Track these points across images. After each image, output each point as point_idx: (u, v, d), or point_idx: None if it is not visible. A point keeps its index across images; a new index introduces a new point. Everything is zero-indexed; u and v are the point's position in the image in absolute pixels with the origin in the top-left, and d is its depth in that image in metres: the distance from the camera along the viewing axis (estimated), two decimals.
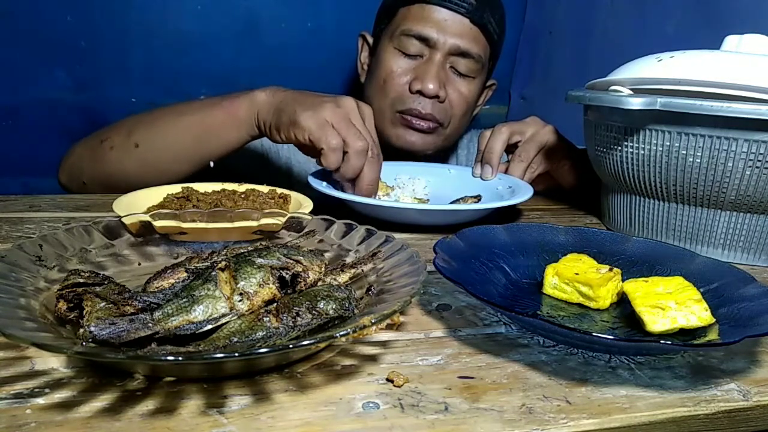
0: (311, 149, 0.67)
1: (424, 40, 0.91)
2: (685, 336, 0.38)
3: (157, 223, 0.45)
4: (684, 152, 0.57)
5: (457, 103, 0.95)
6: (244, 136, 0.74)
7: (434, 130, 0.95)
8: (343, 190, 0.68)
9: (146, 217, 0.45)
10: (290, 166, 1.02)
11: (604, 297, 0.43)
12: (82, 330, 0.30)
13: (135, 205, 0.56)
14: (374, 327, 0.31)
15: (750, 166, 0.54)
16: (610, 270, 0.44)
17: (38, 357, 0.33)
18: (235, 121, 0.73)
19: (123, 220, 0.44)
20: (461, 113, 0.97)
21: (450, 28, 0.90)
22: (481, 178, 0.80)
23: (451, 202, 0.74)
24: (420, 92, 0.91)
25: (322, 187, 0.66)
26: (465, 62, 0.93)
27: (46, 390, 0.30)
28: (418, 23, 0.91)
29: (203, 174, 0.76)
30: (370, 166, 0.65)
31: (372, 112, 0.70)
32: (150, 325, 0.31)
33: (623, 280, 0.44)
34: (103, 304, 0.33)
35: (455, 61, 0.93)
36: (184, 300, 0.33)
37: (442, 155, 1.08)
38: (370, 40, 1.03)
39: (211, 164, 0.77)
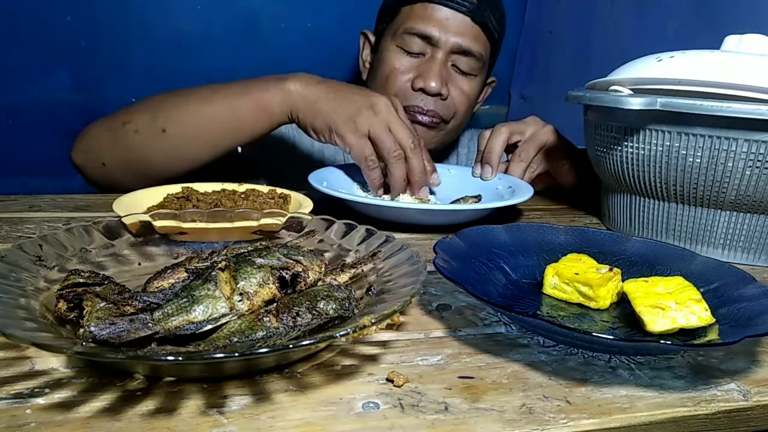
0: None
1: (427, 38, 0.91)
2: (685, 336, 0.38)
3: (157, 223, 0.45)
4: (684, 152, 0.57)
5: (459, 101, 0.96)
6: (275, 125, 0.75)
7: (437, 125, 0.96)
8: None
9: (146, 217, 0.45)
10: (295, 157, 1.02)
11: (604, 297, 0.43)
12: (82, 330, 0.30)
13: (135, 205, 0.56)
14: (374, 327, 0.31)
15: (750, 166, 0.54)
16: (610, 270, 0.44)
17: (38, 357, 0.33)
18: (266, 112, 0.73)
19: (123, 220, 0.44)
20: (463, 110, 0.98)
21: (452, 27, 0.91)
22: (481, 178, 0.80)
23: (452, 202, 0.74)
24: (422, 90, 0.92)
25: (323, 187, 0.66)
26: (466, 60, 0.94)
27: (46, 390, 0.30)
28: (420, 22, 0.91)
29: (217, 166, 0.77)
30: (415, 159, 0.70)
31: (400, 103, 0.74)
32: (150, 325, 0.31)
33: (623, 280, 0.44)
34: (103, 304, 0.33)
35: (457, 59, 0.94)
36: (184, 300, 0.33)
37: (443, 153, 1.08)
38: (372, 38, 1.03)
39: (239, 149, 0.77)
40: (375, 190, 0.72)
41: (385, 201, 0.69)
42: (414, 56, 0.93)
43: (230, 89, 0.75)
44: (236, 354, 0.28)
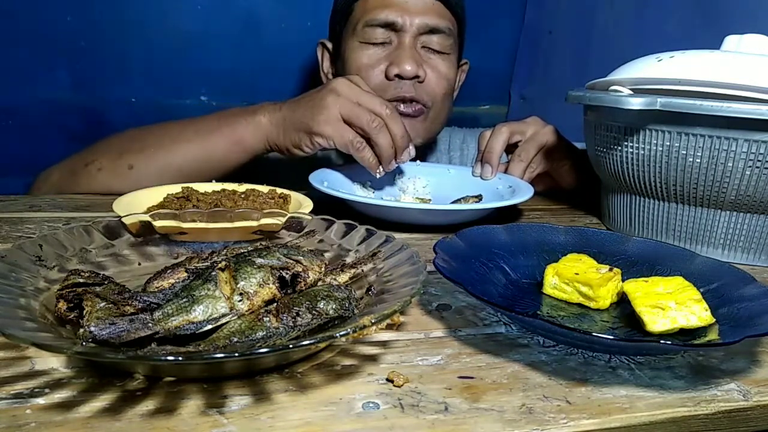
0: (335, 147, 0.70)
1: (390, 25, 0.89)
2: (685, 336, 0.38)
3: (157, 223, 0.45)
4: (684, 152, 0.57)
5: (436, 82, 0.93)
6: (249, 158, 0.75)
7: (420, 113, 0.93)
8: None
9: (146, 217, 0.45)
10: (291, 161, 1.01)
11: (604, 297, 0.43)
12: (82, 330, 0.30)
13: (135, 205, 0.56)
14: (374, 327, 0.31)
15: (750, 166, 0.54)
16: (610, 270, 0.44)
17: (38, 357, 0.33)
18: (240, 147, 0.73)
19: (123, 220, 0.44)
20: (442, 92, 0.95)
21: (413, 8, 0.89)
22: (481, 178, 0.80)
23: (452, 202, 0.74)
24: (398, 76, 0.89)
25: (323, 187, 0.66)
26: (437, 38, 0.91)
27: (46, 390, 0.30)
28: (379, 11, 0.89)
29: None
30: (394, 124, 0.68)
31: (360, 78, 0.73)
32: (150, 325, 0.31)
33: (623, 280, 0.44)
34: (103, 304, 0.33)
35: (426, 40, 0.91)
36: (184, 300, 0.33)
37: (426, 147, 1.06)
38: (330, 45, 1.01)
39: (213, 182, 0.77)
40: (373, 170, 0.70)
41: (385, 201, 0.69)
42: (380, 47, 0.90)
43: (197, 126, 0.75)
44: (236, 354, 0.28)
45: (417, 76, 0.90)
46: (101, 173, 0.75)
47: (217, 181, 0.70)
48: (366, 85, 0.72)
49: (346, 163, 0.85)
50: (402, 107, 0.91)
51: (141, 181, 0.73)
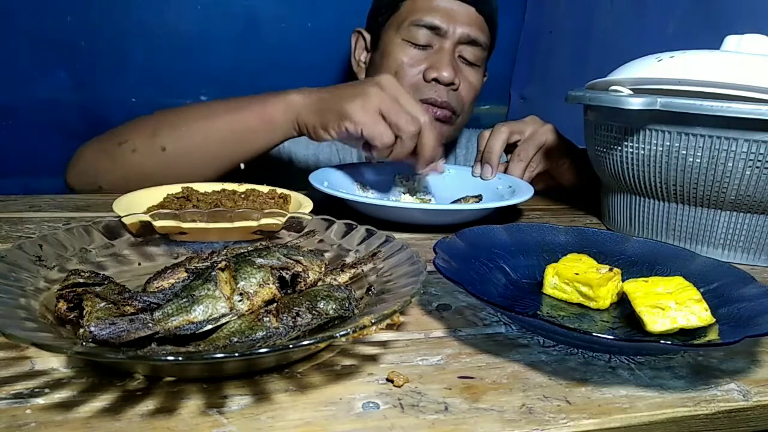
0: (356, 139, 0.68)
1: (434, 29, 0.92)
2: (685, 336, 0.38)
3: (157, 223, 0.45)
4: (684, 152, 0.57)
5: (466, 92, 0.97)
6: (278, 139, 0.74)
7: (449, 119, 0.96)
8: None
9: (146, 217, 0.45)
10: (291, 161, 1.02)
11: (604, 297, 0.43)
12: (82, 330, 0.30)
13: (135, 205, 0.56)
14: (374, 327, 0.31)
15: (750, 166, 0.54)
16: (610, 270, 0.44)
17: (38, 357, 0.33)
18: (269, 126, 0.72)
19: (123, 220, 0.44)
20: (470, 101, 0.99)
21: (458, 17, 0.92)
22: (481, 178, 0.80)
23: (452, 202, 0.74)
24: (436, 80, 0.92)
25: (323, 187, 0.66)
26: (472, 50, 0.95)
27: (46, 390, 0.30)
28: (427, 13, 0.92)
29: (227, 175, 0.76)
30: (429, 134, 0.67)
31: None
32: (150, 325, 0.31)
33: (623, 280, 0.44)
34: (103, 304, 0.33)
35: (463, 49, 0.94)
36: (184, 300, 0.33)
37: (445, 148, 1.08)
38: (367, 36, 1.03)
39: (242, 166, 0.76)
40: (393, 159, 0.69)
41: (385, 201, 0.69)
42: (421, 48, 0.93)
43: (229, 106, 0.75)
44: (236, 354, 0.28)
45: (452, 83, 0.93)
46: (135, 154, 0.74)
47: (244, 166, 0.69)
48: (410, 93, 0.72)
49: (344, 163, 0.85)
50: (434, 111, 0.93)
51: (172, 164, 0.74)
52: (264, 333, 0.32)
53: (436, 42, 0.93)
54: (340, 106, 0.67)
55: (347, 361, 0.35)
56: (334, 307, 0.35)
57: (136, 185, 0.73)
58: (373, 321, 0.31)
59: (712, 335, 0.38)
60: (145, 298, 0.34)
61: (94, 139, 0.80)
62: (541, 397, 0.33)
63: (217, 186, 0.66)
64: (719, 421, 0.33)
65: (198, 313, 0.32)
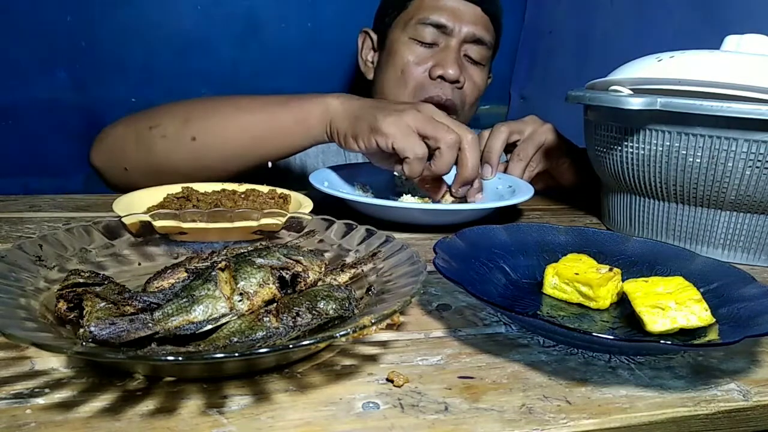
0: (388, 157, 0.67)
1: (441, 27, 0.92)
2: (685, 336, 0.38)
3: (157, 223, 0.45)
4: (684, 152, 0.57)
5: (470, 91, 0.97)
6: (309, 142, 0.73)
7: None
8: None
9: (146, 217, 0.45)
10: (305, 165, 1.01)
11: (604, 297, 0.43)
12: (82, 330, 0.30)
13: (135, 205, 0.56)
14: (374, 327, 0.31)
15: (750, 166, 0.54)
16: (610, 270, 0.44)
17: (38, 357, 0.33)
18: (304, 127, 0.71)
19: (123, 220, 0.44)
20: (473, 101, 0.99)
21: (464, 16, 0.93)
22: (481, 178, 0.80)
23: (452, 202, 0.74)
24: (441, 77, 0.92)
25: (323, 187, 0.66)
26: (477, 49, 0.95)
27: (46, 390, 0.30)
28: (433, 12, 0.93)
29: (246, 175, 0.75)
30: (472, 152, 0.66)
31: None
32: (150, 325, 0.31)
33: (623, 280, 0.44)
34: (103, 304, 0.33)
35: (468, 48, 0.95)
36: (184, 300, 0.33)
37: None
38: (374, 36, 1.03)
39: (270, 164, 0.75)
40: (431, 174, 0.67)
41: (385, 201, 0.69)
42: (428, 46, 0.94)
43: (265, 102, 0.73)
44: (236, 354, 0.28)
45: (458, 81, 0.93)
46: (164, 141, 0.73)
47: (271, 165, 0.69)
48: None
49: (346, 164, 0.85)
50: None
51: (200, 155, 0.72)
52: (264, 333, 0.32)
53: (442, 40, 0.93)
54: (374, 118, 0.65)
55: (347, 361, 0.35)
56: (334, 307, 0.35)
57: (160, 171, 0.71)
58: (373, 321, 0.31)
59: (712, 335, 0.38)
60: (145, 298, 0.34)
61: (123, 119, 0.78)
62: (541, 397, 0.33)
63: (217, 186, 0.66)
64: (719, 421, 0.33)
65: (198, 313, 0.32)
